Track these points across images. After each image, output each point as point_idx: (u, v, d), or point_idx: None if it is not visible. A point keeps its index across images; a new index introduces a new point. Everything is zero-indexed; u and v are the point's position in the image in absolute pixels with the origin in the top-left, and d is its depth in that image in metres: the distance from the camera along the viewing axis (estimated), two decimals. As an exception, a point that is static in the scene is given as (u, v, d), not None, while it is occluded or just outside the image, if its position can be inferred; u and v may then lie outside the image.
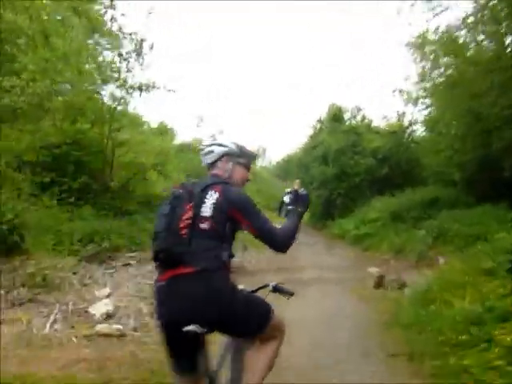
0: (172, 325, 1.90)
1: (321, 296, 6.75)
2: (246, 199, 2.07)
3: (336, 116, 19.45)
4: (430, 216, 12.01)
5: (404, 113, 18.61)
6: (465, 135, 12.37)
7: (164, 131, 52.55)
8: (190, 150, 31.84)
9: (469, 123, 11.83)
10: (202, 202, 1.97)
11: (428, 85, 13.88)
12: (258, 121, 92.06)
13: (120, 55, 10.38)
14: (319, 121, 20.98)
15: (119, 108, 11.05)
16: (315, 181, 18.19)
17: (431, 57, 12.60)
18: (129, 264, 8.21)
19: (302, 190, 2.34)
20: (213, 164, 2.24)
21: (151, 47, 10.86)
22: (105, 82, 9.97)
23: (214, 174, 2.21)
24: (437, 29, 11.05)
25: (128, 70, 10.65)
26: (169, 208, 1.95)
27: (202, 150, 2.30)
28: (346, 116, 19.78)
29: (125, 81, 9.99)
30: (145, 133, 11.66)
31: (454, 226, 9.34)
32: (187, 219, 1.90)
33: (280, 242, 2.08)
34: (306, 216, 21.97)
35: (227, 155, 2.24)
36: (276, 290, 2.39)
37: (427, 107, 17.89)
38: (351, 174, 17.12)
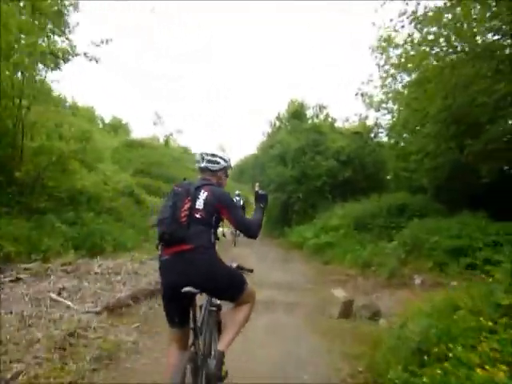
0: (174, 287, 2.45)
1: (267, 332, 4.98)
2: (229, 197, 2.77)
3: (297, 113, 17.94)
4: (398, 225, 10.71)
5: (367, 116, 17.61)
6: (438, 135, 11.17)
7: (118, 126, 49.61)
8: (142, 145, 29.74)
9: (443, 122, 10.62)
10: (196, 197, 2.60)
11: (393, 87, 12.84)
12: (258, 120, 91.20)
13: (33, 14, 8.28)
14: (278, 118, 19.37)
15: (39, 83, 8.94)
16: (272, 183, 16.58)
17: (396, 59, 11.80)
18: (20, 279, 6.16)
19: (261, 191, 3.07)
20: (212, 171, 2.88)
21: (76, 8, 8.84)
22: (9, 46, 7.77)
23: (205, 178, 2.84)
24: (417, 15, 9.58)
25: (45, 35, 8.58)
26: (172, 202, 2.53)
27: (205, 156, 2.88)
28: (308, 114, 18.34)
29: (35, 45, 7.85)
30: (62, 113, 9.52)
31: (432, 237, 7.90)
32: (186, 210, 2.50)
33: (252, 231, 2.78)
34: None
35: (225, 168, 2.96)
36: (238, 268, 2.98)
37: (389, 112, 17.19)
38: (312, 176, 15.60)
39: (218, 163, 2.86)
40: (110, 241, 8.40)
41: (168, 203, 2.52)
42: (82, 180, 10.06)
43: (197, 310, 2.64)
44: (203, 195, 2.59)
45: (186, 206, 2.49)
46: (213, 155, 2.86)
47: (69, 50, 8.14)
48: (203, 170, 2.85)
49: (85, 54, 8.27)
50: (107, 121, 52.73)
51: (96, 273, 6.53)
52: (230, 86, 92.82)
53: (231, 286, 2.66)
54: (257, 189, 3.04)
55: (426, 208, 11.26)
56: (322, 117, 17.93)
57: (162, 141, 34.11)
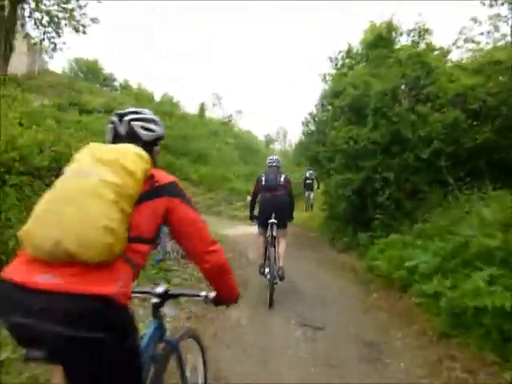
0: (268, 216, 5.94)
1: None
2: (290, 180, 6.43)
3: (381, 40, 10.64)
4: None
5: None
6: None
7: (167, 104, 45.45)
8: (169, 116, 23.92)
9: None
10: (280, 176, 6.15)
11: None
12: (257, 121, 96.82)
13: None
14: (348, 53, 12.04)
15: None
16: (338, 154, 9.54)
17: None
18: None
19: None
20: (278, 166, 6.46)
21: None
22: None
23: (276, 170, 6.35)
24: None
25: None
26: (273, 174, 6.18)
27: (276, 159, 6.56)
28: (400, 43, 10.99)
29: None
30: None
31: None
32: (278, 179, 6.09)
33: (293, 203, 6.59)
34: (318, 221, 13.43)
35: (280, 164, 6.68)
36: None
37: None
38: (412, 140, 8.35)
39: (279, 162, 6.48)
40: None
41: (270, 174, 6.11)
42: None
43: (274, 228, 5.87)
44: (283, 176, 6.10)
45: (278, 178, 6.02)
46: (277, 158, 6.53)
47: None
48: (274, 166, 6.36)
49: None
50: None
51: None
52: (229, 87, 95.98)
53: (285, 222, 6.13)
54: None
55: None
56: (423, 45, 10.48)
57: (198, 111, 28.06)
